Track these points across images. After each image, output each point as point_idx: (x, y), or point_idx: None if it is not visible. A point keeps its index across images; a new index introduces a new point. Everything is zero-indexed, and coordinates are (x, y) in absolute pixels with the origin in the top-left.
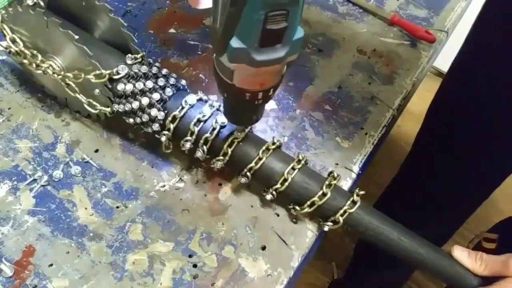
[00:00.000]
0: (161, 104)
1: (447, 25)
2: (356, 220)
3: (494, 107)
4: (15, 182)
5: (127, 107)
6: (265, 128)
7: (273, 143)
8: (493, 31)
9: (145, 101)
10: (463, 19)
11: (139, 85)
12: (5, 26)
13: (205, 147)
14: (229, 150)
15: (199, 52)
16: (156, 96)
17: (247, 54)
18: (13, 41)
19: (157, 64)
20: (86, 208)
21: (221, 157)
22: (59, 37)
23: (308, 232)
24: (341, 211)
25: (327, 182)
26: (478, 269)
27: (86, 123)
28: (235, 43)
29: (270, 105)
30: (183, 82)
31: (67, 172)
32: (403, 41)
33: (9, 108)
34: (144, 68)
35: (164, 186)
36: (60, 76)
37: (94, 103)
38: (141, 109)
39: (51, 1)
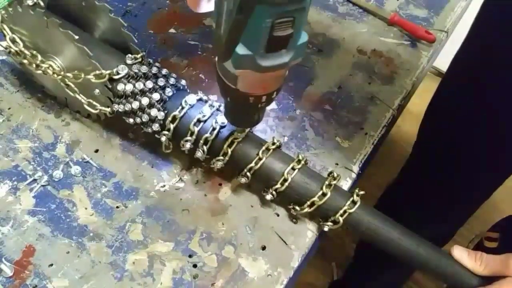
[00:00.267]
0: (161, 104)
1: (447, 25)
2: (356, 220)
3: (495, 107)
4: (15, 182)
5: (127, 107)
6: (265, 128)
7: (273, 143)
8: (491, 30)
9: (145, 101)
10: (463, 19)
11: (139, 85)
12: (5, 26)
13: (205, 147)
14: (229, 150)
15: (199, 52)
16: (156, 96)
17: (253, 60)
18: (13, 41)
19: (157, 64)
20: (86, 208)
21: (221, 157)
22: (59, 37)
23: (308, 232)
24: (341, 211)
25: (327, 182)
26: (478, 269)
27: (86, 123)
28: (241, 50)
29: (270, 105)
30: (183, 82)
31: (67, 172)
32: (403, 41)
33: (9, 108)
34: (144, 68)
35: (164, 186)
36: (60, 76)
37: (94, 103)
38: (141, 109)
39: (51, 1)
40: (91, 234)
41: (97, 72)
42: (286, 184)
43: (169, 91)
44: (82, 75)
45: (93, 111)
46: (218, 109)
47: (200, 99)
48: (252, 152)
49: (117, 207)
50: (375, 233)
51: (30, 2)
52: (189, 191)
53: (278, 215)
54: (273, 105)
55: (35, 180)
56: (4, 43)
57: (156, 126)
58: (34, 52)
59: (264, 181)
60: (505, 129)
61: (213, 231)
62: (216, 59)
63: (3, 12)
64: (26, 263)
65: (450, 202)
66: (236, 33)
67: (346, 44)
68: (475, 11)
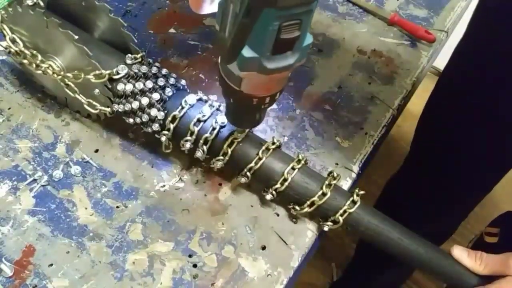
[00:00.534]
0: (161, 104)
1: (447, 25)
2: (356, 220)
3: (494, 102)
4: (15, 182)
5: (127, 107)
6: (265, 128)
7: (273, 143)
8: (488, 28)
9: (145, 101)
10: (463, 19)
11: (139, 85)
12: (5, 26)
13: (205, 147)
14: (229, 150)
15: (199, 52)
16: (156, 96)
17: (259, 62)
18: (13, 41)
19: (157, 64)
20: (86, 208)
21: (221, 157)
22: (59, 37)
23: (308, 232)
24: (341, 211)
25: (327, 182)
26: (478, 268)
27: (86, 123)
28: (247, 52)
29: None
30: (183, 82)
31: (67, 172)
32: (403, 41)
33: (9, 108)
34: (144, 68)
35: (164, 186)
36: (59, 76)
37: (94, 103)
38: (141, 109)
39: (51, 1)
40: (91, 234)
41: (97, 72)
42: (286, 184)
43: (169, 91)
44: (82, 75)
45: (93, 111)
46: (218, 109)
47: (200, 99)
48: (252, 152)
49: (117, 207)
50: (375, 233)
51: (30, 2)
52: (189, 191)
53: (278, 215)
54: (273, 105)
55: (35, 180)
56: (4, 43)
57: (156, 126)
58: (34, 52)
59: (264, 181)
60: (503, 127)
61: (213, 231)
62: (219, 60)
63: (3, 12)
64: (26, 263)
65: (449, 199)
66: (242, 36)
67: (346, 44)
68: None
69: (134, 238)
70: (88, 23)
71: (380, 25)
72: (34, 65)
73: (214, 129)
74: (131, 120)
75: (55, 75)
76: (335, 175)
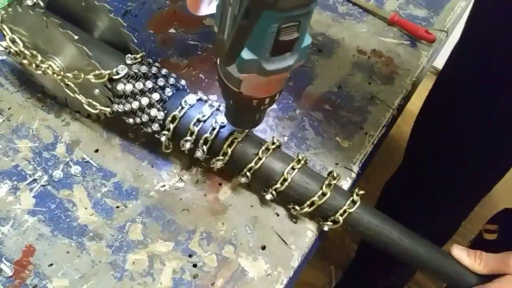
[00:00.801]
0: (161, 104)
1: (447, 25)
2: (356, 219)
3: (493, 102)
4: (15, 182)
5: (127, 107)
6: (265, 128)
7: (273, 143)
8: (486, 26)
9: (144, 101)
10: (463, 19)
11: (139, 85)
12: (4, 26)
13: (205, 147)
14: (229, 150)
15: (199, 52)
16: (155, 96)
17: (258, 64)
18: (13, 41)
19: (156, 64)
20: (86, 208)
21: (221, 157)
22: (58, 37)
23: (308, 232)
24: (341, 211)
25: (326, 182)
26: (478, 267)
27: (86, 123)
28: (246, 55)
29: None
30: (183, 82)
31: (67, 172)
32: (403, 41)
33: (9, 108)
34: (144, 68)
35: (164, 186)
36: (59, 77)
37: (94, 103)
38: (141, 109)
39: (50, 1)
40: (91, 234)
41: (97, 72)
42: (286, 183)
43: (168, 91)
44: (82, 75)
45: (93, 111)
46: (218, 109)
47: (200, 99)
48: (252, 151)
49: (117, 207)
50: (375, 233)
51: (29, 2)
52: (189, 191)
53: (278, 215)
54: (273, 105)
55: (35, 180)
56: (4, 43)
57: (156, 126)
58: (34, 52)
59: (264, 180)
60: (503, 126)
61: (213, 231)
62: (218, 62)
63: (3, 12)
64: (26, 263)
65: (449, 199)
66: (241, 38)
67: (346, 44)
68: None
69: (134, 238)
70: (88, 23)
71: (380, 25)
72: (34, 65)
73: (214, 129)
74: (131, 120)
75: (55, 75)
76: (335, 175)
